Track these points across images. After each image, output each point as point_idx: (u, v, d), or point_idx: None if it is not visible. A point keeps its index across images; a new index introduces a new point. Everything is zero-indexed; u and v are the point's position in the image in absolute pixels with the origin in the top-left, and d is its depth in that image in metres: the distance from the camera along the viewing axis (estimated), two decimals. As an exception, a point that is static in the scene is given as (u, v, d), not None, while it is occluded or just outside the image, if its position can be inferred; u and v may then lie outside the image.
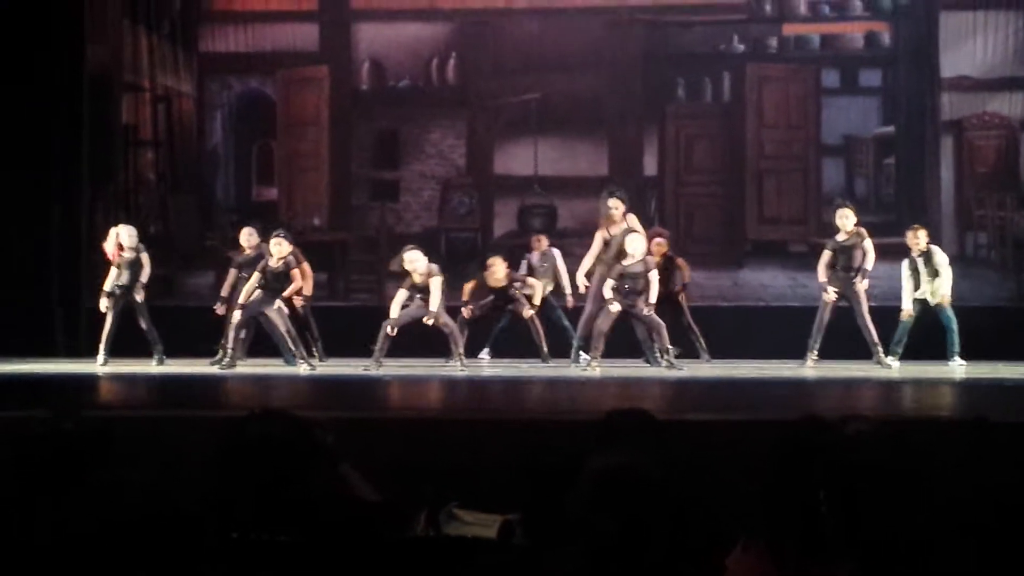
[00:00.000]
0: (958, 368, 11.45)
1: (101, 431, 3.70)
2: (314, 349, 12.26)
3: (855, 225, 11.57)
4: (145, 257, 12.09)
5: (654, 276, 11.40)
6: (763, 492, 3.19)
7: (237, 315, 11.61)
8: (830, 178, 14.24)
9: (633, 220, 11.57)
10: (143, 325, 12.04)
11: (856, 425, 3.35)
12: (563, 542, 2.94)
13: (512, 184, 14.44)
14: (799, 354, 11.51)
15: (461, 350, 11.42)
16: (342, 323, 12.83)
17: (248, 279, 11.64)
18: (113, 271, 12.09)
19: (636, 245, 11.36)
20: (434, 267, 11.40)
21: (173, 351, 12.11)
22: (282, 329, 11.56)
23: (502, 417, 7.09)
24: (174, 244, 14.38)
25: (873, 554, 2.90)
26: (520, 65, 14.40)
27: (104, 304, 11.97)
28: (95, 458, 3.55)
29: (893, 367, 11.42)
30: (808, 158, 14.22)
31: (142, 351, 12.03)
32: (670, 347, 11.39)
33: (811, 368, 11.37)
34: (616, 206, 11.69)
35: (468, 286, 12.33)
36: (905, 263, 11.83)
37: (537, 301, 12.16)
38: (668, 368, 11.24)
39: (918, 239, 11.79)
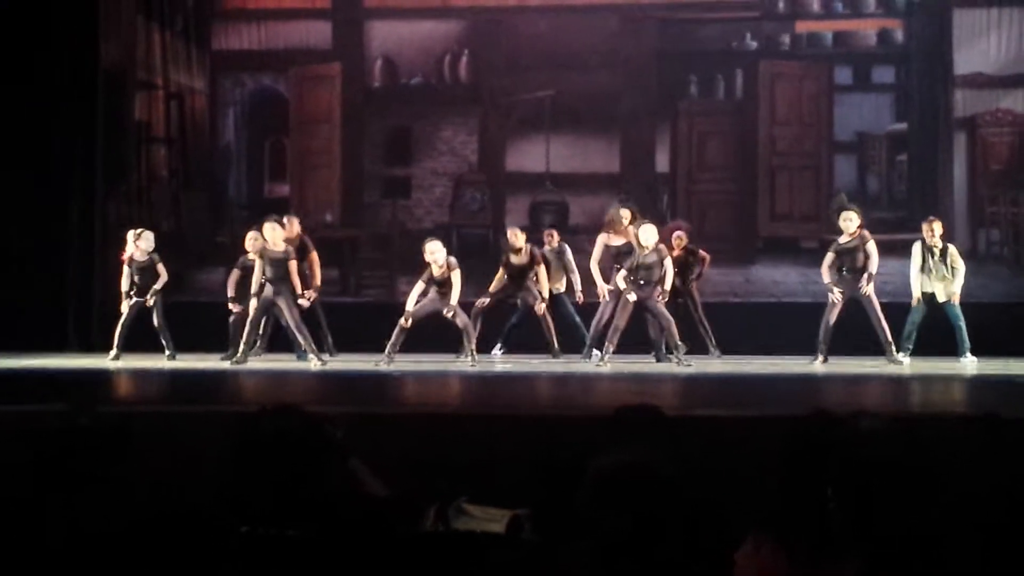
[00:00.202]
0: (970, 364, 11.42)
1: (118, 426, 3.72)
2: (325, 344, 12.27)
3: (858, 227, 11.53)
4: (161, 267, 12.19)
5: (669, 264, 11.44)
6: (774, 488, 3.19)
7: (250, 309, 11.64)
8: (842, 175, 14.21)
9: (644, 230, 11.52)
10: (156, 322, 12.13)
11: (867, 422, 3.35)
12: (572, 538, 2.94)
13: (524, 181, 14.45)
14: (810, 350, 11.50)
15: (473, 345, 11.43)
16: (353, 319, 12.85)
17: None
18: (126, 271, 12.18)
19: (649, 236, 11.39)
20: (452, 260, 11.43)
21: (184, 346, 12.16)
22: (290, 317, 11.52)
23: (512, 413, 7.09)
24: (186, 240, 14.42)
25: (883, 550, 2.90)
26: (533, 62, 14.39)
27: (126, 306, 12.09)
28: (112, 453, 3.57)
29: (904, 363, 11.40)
30: (820, 155, 14.20)
31: (153, 346, 12.09)
32: (680, 343, 11.40)
33: (821, 365, 11.35)
34: (626, 216, 11.77)
35: (498, 275, 12.35)
36: (917, 246, 11.77)
37: (545, 292, 12.16)
38: (678, 364, 11.25)
39: (933, 231, 11.73)
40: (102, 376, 10.97)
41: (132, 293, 12.18)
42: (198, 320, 12.53)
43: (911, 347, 11.62)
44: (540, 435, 4.92)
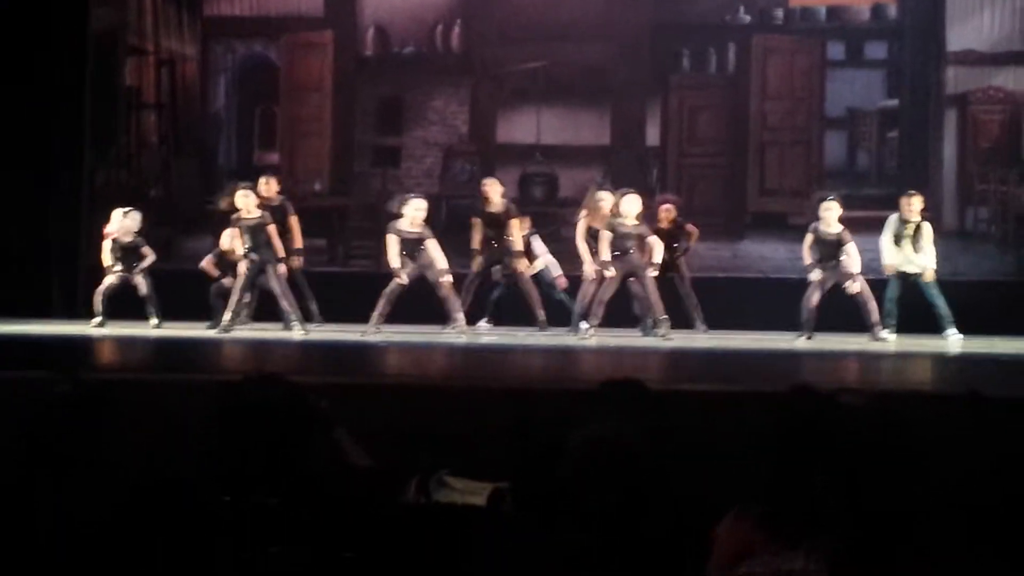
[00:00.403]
0: (955, 342, 11.43)
1: (99, 393, 3.70)
2: (310, 311, 12.21)
3: (839, 221, 11.51)
4: (147, 249, 12.07)
5: (656, 239, 11.43)
6: (758, 462, 3.19)
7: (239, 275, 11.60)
8: (833, 151, 14.20)
9: (627, 200, 11.47)
10: (144, 292, 12.02)
11: (848, 397, 3.36)
12: (552, 511, 2.94)
13: (514, 152, 14.40)
14: (797, 326, 11.50)
15: (459, 315, 11.41)
16: (341, 289, 12.81)
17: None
18: (110, 246, 12.05)
19: (631, 206, 11.40)
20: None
21: (171, 315, 12.11)
22: (276, 285, 11.51)
23: (495, 385, 7.08)
24: (175, 207, 14.37)
25: (865, 526, 2.90)
26: (525, 33, 14.33)
27: (109, 279, 12.00)
28: (92, 420, 3.56)
29: (889, 340, 11.41)
30: (811, 130, 14.18)
31: (138, 314, 12.03)
32: (663, 317, 11.40)
33: (805, 342, 11.35)
34: (605, 198, 11.66)
35: (476, 225, 12.27)
36: (892, 218, 11.73)
37: (519, 245, 12.06)
38: (662, 338, 11.25)
39: (911, 205, 11.69)
40: (85, 342, 10.94)
41: (115, 269, 12.06)
42: (185, 288, 12.46)
43: (894, 323, 11.61)
44: (523, 408, 4.91)
